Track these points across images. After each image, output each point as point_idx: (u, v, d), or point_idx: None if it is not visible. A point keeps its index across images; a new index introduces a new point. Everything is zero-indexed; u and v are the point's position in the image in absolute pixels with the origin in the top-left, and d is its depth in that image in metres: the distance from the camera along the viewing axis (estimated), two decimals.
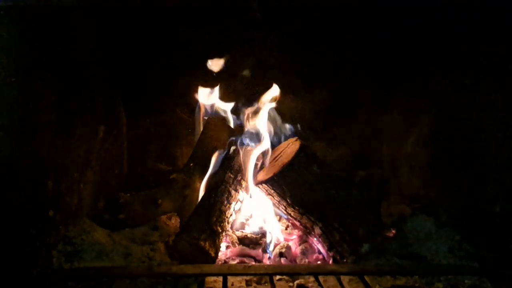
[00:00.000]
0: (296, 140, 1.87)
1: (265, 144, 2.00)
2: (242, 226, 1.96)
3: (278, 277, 1.50)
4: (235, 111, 2.25)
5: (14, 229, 1.36)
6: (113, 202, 1.96)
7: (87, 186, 1.87)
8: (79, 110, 1.81)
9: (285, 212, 1.83)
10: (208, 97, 2.25)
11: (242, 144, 2.03)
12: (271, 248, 1.78)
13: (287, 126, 2.13)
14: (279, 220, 1.99)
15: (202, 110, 2.28)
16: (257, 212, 1.97)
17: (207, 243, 1.60)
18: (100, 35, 2.02)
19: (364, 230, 1.68)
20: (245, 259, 1.74)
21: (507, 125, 1.54)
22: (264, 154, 1.98)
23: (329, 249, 1.69)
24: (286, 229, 1.96)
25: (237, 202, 1.87)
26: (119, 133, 2.33)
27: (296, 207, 1.76)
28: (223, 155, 2.03)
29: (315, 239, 1.75)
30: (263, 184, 1.80)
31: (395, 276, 1.49)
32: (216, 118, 2.21)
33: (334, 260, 1.67)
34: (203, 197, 1.88)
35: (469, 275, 1.48)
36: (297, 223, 1.81)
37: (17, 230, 1.38)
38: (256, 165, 1.95)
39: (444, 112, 1.93)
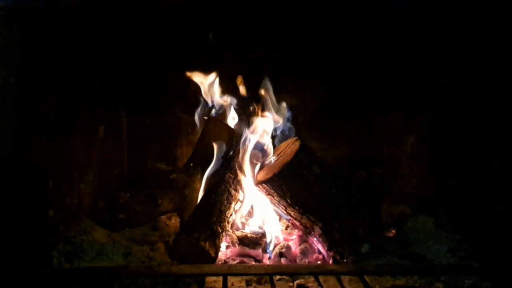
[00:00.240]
0: (296, 140, 1.86)
1: (265, 144, 2.00)
2: (242, 226, 1.96)
3: (278, 277, 1.50)
4: (235, 110, 2.25)
5: (14, 229, 1.36)
6: (113, 202, 1.96)
7: (87, 186, 1.87)
8: (79, 110, 1.81)
9: (285, 212, 1.82)
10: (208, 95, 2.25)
11: (242, 144, 2.03)
12: (271, 248, 1.78)
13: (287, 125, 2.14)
14: (279, 220, 1.99)
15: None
16: (257, 212, 1.97)
17: (207, 243, 1.60)
18: (100, 35, 2.01)
19: (364, 230, 1.68)
20: (245, 259, 1.74)
21: (507, 125, 1.54)
22: (264, 154, 1.98)
23: (329, 249, 1.69)
24: (286, 229, 1.96)
25: (237, 202, 1.87)
26: (119, 133, 2.33)
27: (296, 207, 1.76)
28: (223, 155, 2.03)
29: (315, 239, 1.75)
30: (263, 184, 1.79)
31: (395, 276, 1.49)
32: (216, 118, 2.21)
33: (334, 260, 1.67)
34: (203, 197, 1.88)
35: (469, 275, 1.48)
36: (297, 223, 1.81)
37: (17, 230, 1.38)
38: (256, 165, 1.95)
39: (444, 112, 1.93)
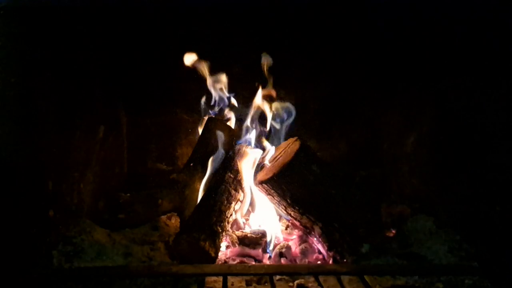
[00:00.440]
0: (296, 140, 1.86)
1: (265, 144, 2.01)
2: (242, 226, 1.96)
3: (278, 277, 1.50)
4: (236, 110, 2.26)
5: (14, 229, 1.36)
6: (113, 202, 1.96)
7: (87, 186, 1.87)
8: (79, 110, 1.81)
9: (285, 212, 1.83)
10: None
11: (243, 144, 2.04)
12: (271, 248, 1.78)
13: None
14: (279, 220, 1.99)
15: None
16: (257, 212, 1.98)
17: (207, 243, 1.60)
18: (100, 35, 2.02)
19: (364, 230, 1.68)
20: (245, 259, 1.74)
21: (507, 125, 1.54)
22: (264, 154, 1.98)
23: (329, 249, 1.69)
24: (286, 229, 1.96)
25: (237, 202, 1.87)
26: (119, 133, 2.33)
27: (296, 207, 1.76)
28: (223, 155, 2.03)
29: (315, 239, 1.75)
30: (263, 184, 1.79)
31: (395, 276, 1.49)
32: (216, 118, 2.21)
33: (334, 260, 1.67)
34: (203, 197, 1.89)
35: (469, 275, 1.48)
36: (297, 223, 1.81)
37: (17, 230, 1.38)
38: (256, 165, 1.95)
39: (444, 112, 1.93)
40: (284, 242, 1.82)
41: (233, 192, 1.85)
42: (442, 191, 1.93)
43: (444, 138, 1.93)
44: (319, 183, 1.76)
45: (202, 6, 2.05)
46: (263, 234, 1.82)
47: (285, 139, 2.03)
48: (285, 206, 1.79)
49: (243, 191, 1.93)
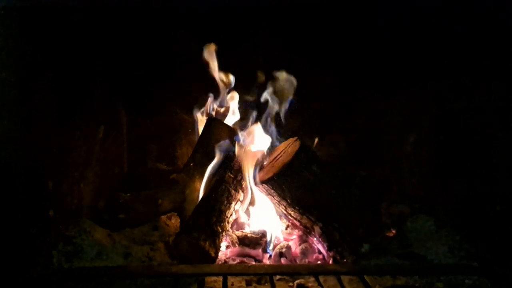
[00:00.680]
0: (296, 140, 1.86)
1: (266, 143, 2.00)
2: (242, 226, 1.96)
3: (278, 277, 1.50)
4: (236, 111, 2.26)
5: (14, 229, 1.36)
6: (113, 202, 1.96)
7: (87, 186, 1.87)
8: (79, 110, 1.81)
9: (285, 212, 1.83)
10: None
11: (243, 144, 2.04)
12: (271, 248, 1.78)
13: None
14: (279, 220, 1.99)
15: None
16: (257, 212, 1.97)
17: (207, 243, 1.60)
18: (100, 35, 2.01)
19: (364, 230, 1.68)
20: (245, 259, 1.74)
21: (507, 125, 1.54)
22: (264, 154, 1.98)
23: (329, 249, 1.69)
24: (286, 229, 1.96)
25: (237, 202, 1.87)
26: (119, 133, 2.33)
27: (296, 207, 1.76)
28: (223, 155, 2.03)
29: (315, 239, 1.75)
30: (263, 184, 1.79)
31: (395, 276, 1.49)
32: (216, 118, 2.21)
33: (334, 260, 1.67)
34: (203, 197, 1.89)
35: (469, 275, 1.48)
36: (297, 223, 1.81)
37: (18, 230, 1.38)
38: (256, 165, 1.95)
39: (444, 112, 1.93)
40: (284, 242, 1.82)
41: (233, 192, 1.85)
42: (442, 191, 1.93)
43: (444, 138, 1.93)
44: (319, 183, 1.76)
45: (202, 6, 2.05)
46: (263, 234, 1.82)
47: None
48: (285, 206, 1.79)
49: (243, 191, 1.93)
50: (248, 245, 1.80)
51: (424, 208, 1.99)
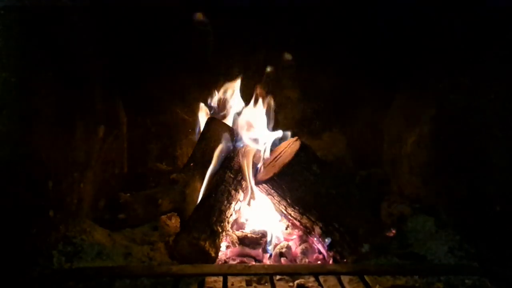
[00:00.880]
0: (296, 140, 1.86)
1: (265, 143, 2.00)
2: (242, 226, 1.96)
3: (278, 277, 1.50)
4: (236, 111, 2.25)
5: (14, 229, 1.36)
6: (113, 202, 1.96)
7: (87, 186, 1.87)
8: (79, 110, 1.81)
9: (285, 212, 1.83)
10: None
11: (243, 144, 2.04)
12: (271, 248, 1.78)
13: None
14: (279, 220, 1.99)
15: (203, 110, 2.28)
16: (257, 212, 1.97)
17: (207, 243, 1.60)
18: (100, 35, 2.02)
19: (364, 230, 1.68)
20: (245, 259, 1.74)
21: (507, 125, 1.54)
22: (264, 154, 1.98)
23: (329, 249, 1.69)
24: (286, 229, 1.96)
25: (237, 202, 1.87)
26: (119, 133, 2.33)
27: (296, 207, 1.76)
28: (223, 155, 2.03)
29: (315, 239, 1.75)
30: (263, 184, 1.80)
31: (395, 276, 1.49)
32: (216, 118, 2.21)
33: (334, 260, 1.67)
34: (203, 197, 1.89)
35: (469, 275, 1.48)
36: (297, 223, 1.81)
37: (18, 230, 1.38)
38: (256, 165, 1.95)
39: (444, 112, 1.93)
40: (284, 242, 1.82)
41: (233, 192, 1.85)
42: (442, 191, 1.93)
43: (444, 138, 1.93)
44: (319, 183, 1.76)
45: (202, 5, 2.05)
46: (263, 234, 1.82)
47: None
48: (285, 206, 1.79)
49: (243, 191, 1.93)
50: (248, 245, 1.80)
51: (424, 208, 1.99)
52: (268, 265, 1.67)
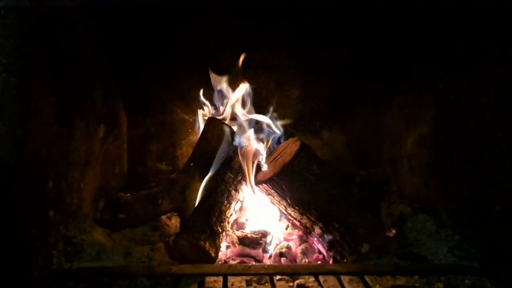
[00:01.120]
0: (296, 140, 1.86)
1: (266, 144, 2.01)
2: (242, 226, 1.96)
3: (278, 277, 1.50)
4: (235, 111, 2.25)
5: (14, 229, 1.36)
6: (113, 202, 1.96)
7: (87, 186, 1.87)
8: (79, 110, 1.81)
9: (285, 212, 1.83)
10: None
11: (243, 144, 2.04)
12: (271, 248, 1.78)
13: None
14: (279, 220, 1.99)
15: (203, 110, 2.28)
16: (257, 212, 1.97)
17: (207, 243, 1.60)
18: (100, 35, 2.02)
19: (364, 230, 1.68)
20: (245, 259, 1.74)
21: (507, 125, 1.54)
22: (264, 154, 1.98)
23: (329, 249, 1.69)
24: (286, 229, 1.96)
25: (237, 202, 1.87)
26: (119, 133, 2.33)
27: (296, 207, 1.76)
28: (223, 155, 2.03)
29: (315, 239, 1.75)
30: (263, 184, 1.80)
31: (395, 276, 1.49)
32: (216, 118, 2.21)
33: (334, 260, 1.67)
34: (203, 197, 1.89)
35: (469, 275, 1.48)
36: (297, 223, 1.81)
37: (18, 230, 1.38)
38: (256, 165, 1.95)
39: (444, 112, 1.93)
40: (284, 242, 1.82)
41: (233, 192, 1.85)
42: (442, 191, 1.93)
43: (444, 138, 1.93)
44: (319, 183, 1.76)
45: (202, 5, 2.05)
46: (263, 234, 1.82)
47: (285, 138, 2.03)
48: (285, 206, 1.79)
49: (243, 191, 1.93)
50: (248, 245, 1.80)
51: (424, 208, 1.99)
52: (268, 265, 1.67)
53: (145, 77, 2.31)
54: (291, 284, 1.48)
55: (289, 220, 1.90)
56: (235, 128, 2.17)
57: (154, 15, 2.10)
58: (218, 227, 1.70)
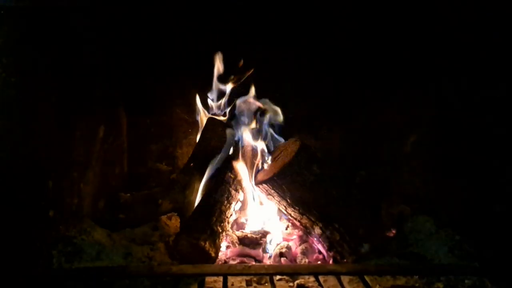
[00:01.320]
0: (296, 140, 1.86)
1: (265, 143, 2.01)
2: (242, 226, 1.96)
3: (278, 277, 1.50)
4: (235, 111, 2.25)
5: (14, 229, 1.36)
6: (113, 202, 1.96)
7: (87, 186, 1.87)
8: (79, 110, 1.81)
9: (285, 212, 1.83)
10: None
11: (243, 144, 2.04)
12: (271, 248, 1.78)
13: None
14: (279, 220, 1.99)
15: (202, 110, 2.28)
16: (257, 212, 1.97)
17: (207, 243, 1.60)
18: (100, 35, 2.02)
19: (364, 230, 1.68)
20: (245, 259, 1.74)
21: (507, 124, 1.54)
22: (264, 153, 1.98)
23: (329, 249, 1.69)
24: (286, 229, 1.96)
25: (237, 202, 1.87)
26: (119, 133, 2.33)
27: (296, 207, 1.76)
28: (223, 155, 2.03)
29: (315, 239, 1.75)
30: (263, 184, 1.80)
31: (395, 276, 1.49)
32: (216, 118, 2.21)
33: (334, 260, 1.67)
34: (203, 197, 1.89)
35: (469, 275, 1.48)
36: (297, 223, 1.81)
37: (18, 230, 1.38)
38: (256, 165, 1.95)
39: (444, 111, 1.93)
40: (284, 242, 1.82)
41: (233, 192, 1.85)
42: (442, 191, 1.93)
43: (444, 138, 1.93)
44: (319, 183, 1.76)
45: (203, 5, 2.05)
46: (263, 234, 1.82)
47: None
48: (285, 206, 1.79)
49: (243, 191, 1.93)
50: (248, 245, 1.80)
51: (424, 208, 1.99)
52: (268, 265, 1.67)
53: (145, 77, 2.30)
54: (291, 284, 1.48)
55: (289, 220, 1.90)
56: (234, 128, 2.17)
57: (154, 15, 2.10)
58: (218, 227, 1.70)
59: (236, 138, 2.08)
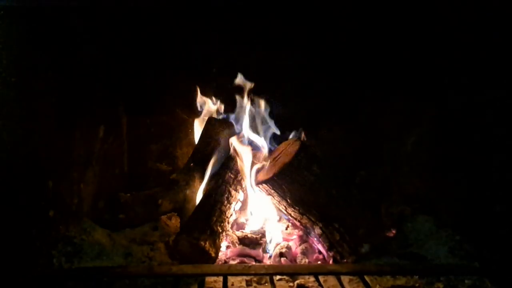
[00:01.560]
0: (296, 140, 1.86)
1: (266, 144, 2.01)
2: (242, 226, 1.96)
3: (278, 277, 1.50)
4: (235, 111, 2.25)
5: (14, 229, 1.36)
6: (114, 202, 1.96)
7: (87, 186, 1.87)
8: (79, 110, 1.81)
9: (285, 212, 1.82)
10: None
11: (243, 143, 2.04)
12: (271, 248, 1.78)
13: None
14: (279, 220, 1.99)
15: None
16: (257, 212, 1.97)
17: (207, 243, 1.60)
18: (100, 35, 2.01)
19: (364, 230, 1.68)
20: (245, 259, 1.74)
21: (507, 124, 1.54)
22: (264, 153, 1.98)
23: (329, 249, 1.69)
24: (286, 229, 1.96)
25: (237, 202, 1.87)
26: (119, 133, 2.33)
27: (296, 207, 1.76)
28: (223, 155, 2.03)
29: (315, 239, 1.75)
30: (263, 184, 1.79)
31: (395, 276, 1.49)
32: (216, 118, 2.21)
33: (334, 260, 1.67)
34: (203, 197, 1.89)
35: (469, 275, 1.48)
36: (297, 223, 1.81)
37: (18, 230, 1.38)
38: (256, 165, 1.95)
39: (444, 112, 1.93)
40: (284, 242, 1.82)
41: (233, 192, 1.85)
42: (442, 191, 1.93)
43: (444, 138, 1.93)
44: (319, 183, 1.76)
45: (203, 5, 2.05)
46: (263, 234, 1.82)
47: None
48: (285, 206, 1.79)
49: (243, 191, 1.93)
50: (248, 245, 1.80)
51: (424, 208, 1.99)
52: (268, 265, 1.67)
53: (145, 77, 2.30)
54: (291, 284, 1.48)
55: (289, 220, 1.90)
56: (234, 128, 2.17)
57: (154, 16, 2.09)
58: (218, 227, 1.70)
59: (236, 138, 2.08)
